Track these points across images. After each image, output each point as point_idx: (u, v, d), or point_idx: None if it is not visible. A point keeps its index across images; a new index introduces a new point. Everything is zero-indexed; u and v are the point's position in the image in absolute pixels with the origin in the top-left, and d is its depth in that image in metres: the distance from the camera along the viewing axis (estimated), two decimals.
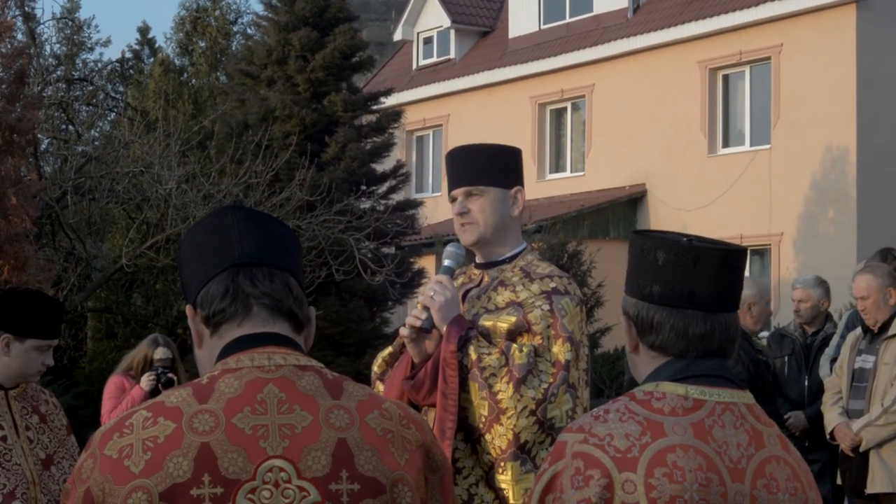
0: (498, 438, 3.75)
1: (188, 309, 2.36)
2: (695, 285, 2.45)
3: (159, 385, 8.31)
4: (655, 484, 2.32)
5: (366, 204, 19.16)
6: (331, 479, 2.15)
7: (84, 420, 14.33)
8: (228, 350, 2.26)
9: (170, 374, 8.38)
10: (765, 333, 8.43)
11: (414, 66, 29.81)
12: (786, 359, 8.37)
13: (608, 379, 18.51)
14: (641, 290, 2.50)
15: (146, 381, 8.39)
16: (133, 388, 8.50)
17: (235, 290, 2.28)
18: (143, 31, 36.52)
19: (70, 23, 29.43)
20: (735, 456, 2.39)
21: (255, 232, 2.35)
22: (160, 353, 8.58)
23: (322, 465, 2.15)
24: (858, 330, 7.39)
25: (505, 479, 3.76)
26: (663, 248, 2.47)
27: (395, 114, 20.47)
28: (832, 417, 7.28)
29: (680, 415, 2.39)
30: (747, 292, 7.56)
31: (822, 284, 8.60)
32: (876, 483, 7.03)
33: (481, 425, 3.79)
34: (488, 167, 4.05)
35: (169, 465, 2.11)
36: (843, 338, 7.96)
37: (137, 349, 8.82)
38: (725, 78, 23.31)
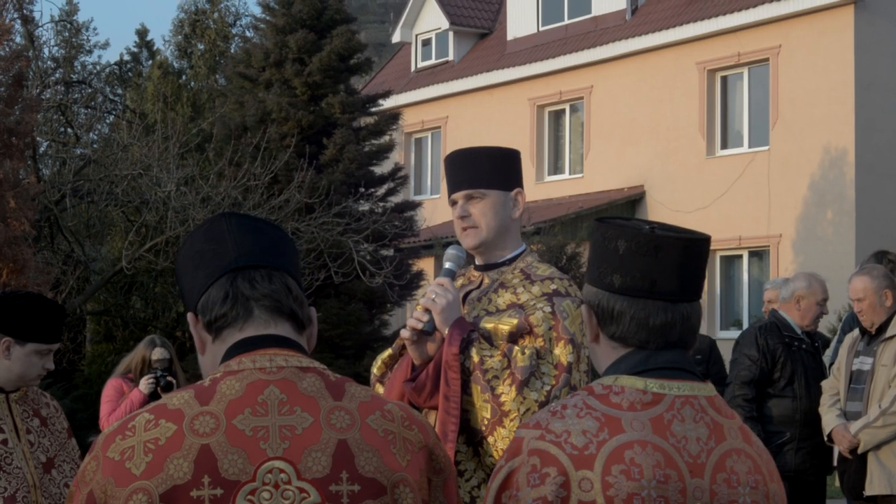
0: (501, 441, 3.74)
1: (190, 317, 2.36)
2: (656, 275, 2.41)
3: (158, 388, 8.30)
4: (612, 482, 2.28)
5: (364, 206, 19.17)
6: (331, 480, 2.15)
7: (83, 423, 14.34)
8: (231, 353, 2.27)
9: (169, 378, 8.36)
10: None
11: (412, 68, 29.82)
12: None
13: None
14: (602, 280, 2.46)
15: (145, 384, 8.38)
16: (132, 391, 8.49)
17: (235, 294, 2.29)
18: (142, 33, 36.54)
19: (68, 25, 29.44)
20: (694, 451, 2.35)
21: (250, 236, 2.35)
22: (158, 354, 8.57)
23: (322, 467, 2.15)
24: (856, 331, 7.38)
25: None
26: (624, 236, 2.44)
27: (394, 116, 20.47)
28: (830, 419, 7.27)
29: (638, 409, 2.36)
30: (798, 284, 7.68)
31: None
32: (874, 485, 7.02)
33: (484, 428, 3.78)
34: (488, 170, 4.04)
35: (169, 467, 2.12)
36: (840, 341, 7.97)
37: (135, 351, 8.81)
38: (724, 79, 23.32)
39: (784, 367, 7.61)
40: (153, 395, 8.26)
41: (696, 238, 2.46)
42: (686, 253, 2.44)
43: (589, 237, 21.72)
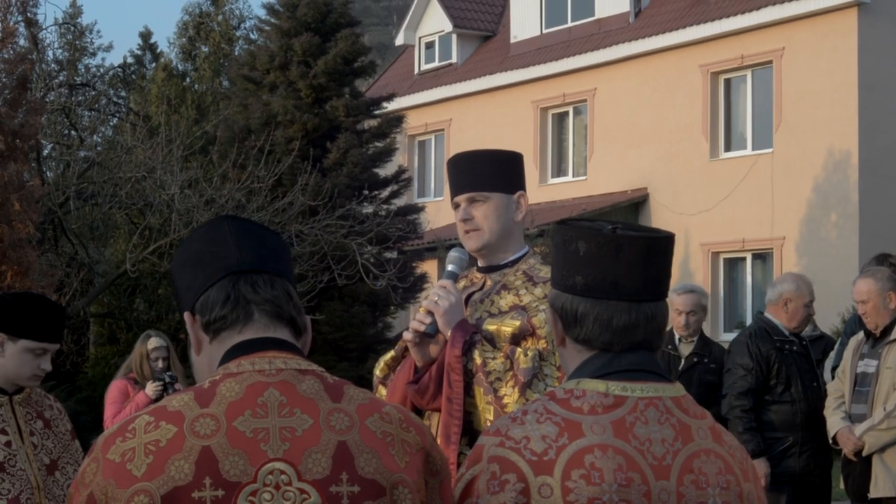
0: None
1: (187, 316, 2.37)
2: (618, 275, 2.38)
3: (168, 393, 8.27)
4: (572, 487, 2.25)
5: (368, 209, 19.19)
6: (331, 481, 2.16)
7: (86, 425, 14.35)
8: (230, 355, 2.28)
9: (177, 386, 8.32)
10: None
11: (416, 71, 29.83)
12: None
13: None
14: (565, 282, 2.43)
15: (153, 389, 8.34)
16: (137, 393, 8.47)
17: (237, 297, 2.31)
18: (145, 36, 36.58)
19: (72, 28, 29.45)
20: (659, 453, 2.31)
21: (252, 240, 2.37)
22: (154, 343, 8.56)
23: (322, 468, 2.16)
24: (861, 334, 7.37)
25: None
26: (584, 238, 2.41)
27: (397, 118, 20.50)
28: (834, 422, 7.26)
29: (599, 413, 2.32)
30: (786, 286, 7.62)
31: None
32: (879, 487, 7.01)
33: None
34: (491, 173, 4.05)
35: (171, 469, 2.12)
36: (844, 344, 7.97)
37: (133, 351, 8.82)
38: (727, 82, 23.32)
39: (779, 371, 7.53)
40: (159, 399, 8.20)
41: (657, 237, 2.43)
42: (648, 252, 2.40)
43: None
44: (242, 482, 2.13)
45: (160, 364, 8.57)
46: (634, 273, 2.39)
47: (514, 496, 2.26)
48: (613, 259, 2.38)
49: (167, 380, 8.35)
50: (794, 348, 7.64)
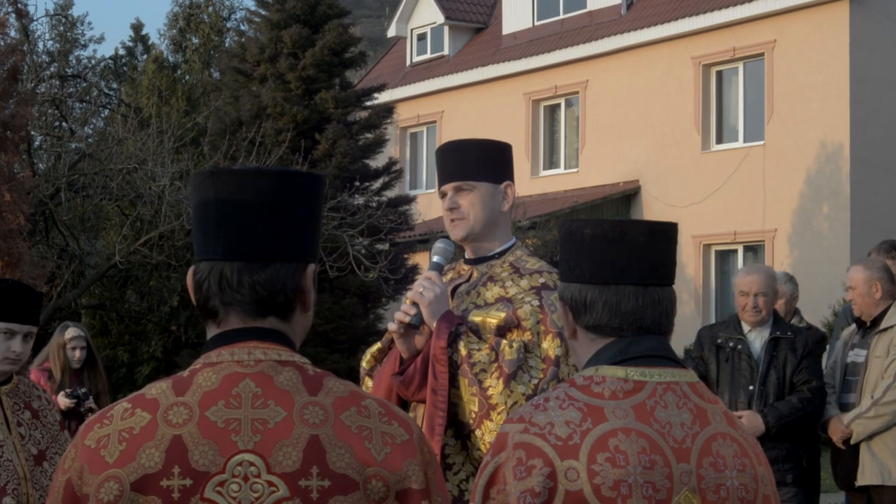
0: (488, 434, 3.74)
1: (190, 272, 2.31)
2: (624, 260, 2.46)
3: (80, 409, 7.98)
4: (598, 470, 2.31)
5: (359, 200, 19.17)
6: (301, 475, 2.14)
7: None
8: (212, 344, 2.26)
9: (89, 404, 8.01)
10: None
11: (408, 63, 29.81)
12: None
13: None
14: (573, 272, 2.50)
15: (64, 402, 8.04)
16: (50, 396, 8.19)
17: (219, 285, 2.25)
18: (137, 27, 36.52)
19: (63, 19, 29.38)
20: (679, 436, 2.38)
21: (237, 216, 2.25)
22: (71, 333, 8.35)
23: (293, 461, 2.14)
24: (853, 326, 7.44)
25: None
26: (590, 225, 2.49)
27: (387, 110, 20.47)
28: (825, 411, 7.30)
29: (620, 398, 2.38)
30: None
31: (791, 280, 8.71)
32: (866, 475, 7.05)
33: (471, 421, 3.78)
34: (478, 162, 4.04)
35: (141, 456, 2.13)
36: (836, 338, 7.99)
37: (51, 341, 8.53)
38: (719, 74, 23.31)
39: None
40: (69, 413, 7.95)
41: (660, 222, 2.52)
42: (652, 237, 2.48)
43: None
44: (211, 472, 2.12)
45: (77, 354, 8.33)
46: (640, 258, 2.46)
47: (542, 480, 2.31)
48: (619, 243, 2.46)
49: (81, 396, 8.08)
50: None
